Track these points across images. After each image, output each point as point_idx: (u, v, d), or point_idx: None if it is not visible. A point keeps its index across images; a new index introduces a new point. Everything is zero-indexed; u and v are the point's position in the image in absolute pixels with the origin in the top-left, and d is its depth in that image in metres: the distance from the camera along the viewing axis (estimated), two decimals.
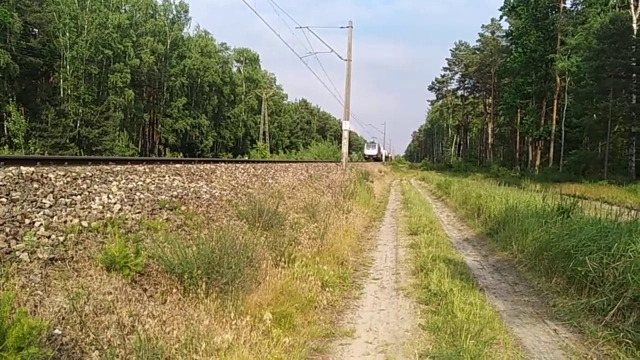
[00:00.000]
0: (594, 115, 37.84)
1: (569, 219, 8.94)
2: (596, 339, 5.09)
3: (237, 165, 12.26)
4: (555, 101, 44.65)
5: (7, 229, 4.10)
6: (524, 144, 57.01)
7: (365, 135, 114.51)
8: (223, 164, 12.04)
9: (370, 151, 73.43)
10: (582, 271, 6.30)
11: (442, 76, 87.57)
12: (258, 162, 17.02)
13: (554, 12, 46.82)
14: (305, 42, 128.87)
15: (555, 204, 10.12)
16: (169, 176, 7.93)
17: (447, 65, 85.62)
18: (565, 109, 42.37)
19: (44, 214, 4.59)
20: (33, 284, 3.63)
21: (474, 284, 7.09)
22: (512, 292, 7.07)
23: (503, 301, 6.61)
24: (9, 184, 4.84)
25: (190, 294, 4.50)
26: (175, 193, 7.14)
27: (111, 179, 6.44)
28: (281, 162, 20.07)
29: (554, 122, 44.36)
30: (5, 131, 39.68)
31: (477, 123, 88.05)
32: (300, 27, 24.23)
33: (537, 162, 47.33)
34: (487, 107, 77.74)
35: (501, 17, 55.55)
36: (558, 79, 43.91)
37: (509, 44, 55.52)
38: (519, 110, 53.37)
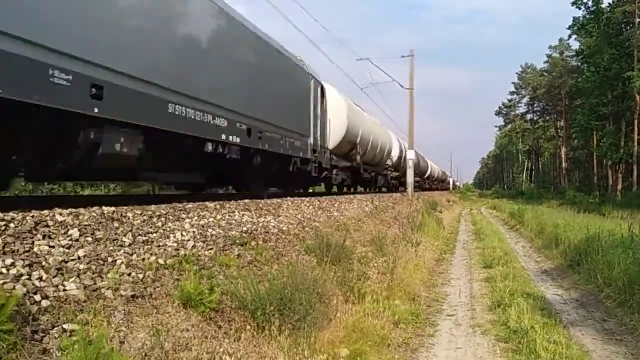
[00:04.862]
0: None
1: None
2: None
3: (303, 198, 12.38)
4: (636, 121, 41.87)
5: (93, 267, 4.32)
6: (602, 168, 53.75)
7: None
8: (289, 197, 12.21)
9: None
10: None
11: (509, 100, 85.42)
12: (322, 194, 17.11)
13: (628, 27, 44.53)
14: (365, 72, 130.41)
15: None
16: (238, 212, 8.12)
17: (513, 89, 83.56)
18: None
19: (124, 252, 4.80)
20: (117, 320, 3.79)
21: (557, 320, 6.64)
22: (601, 330, 6.54)
23: (592, 340, 6.12)
24: (93, 223, 5.13)
25: (264, 331, 4.51)
26: (244, 228, 7.28)
27: (184, 216, 6.67)
28: (345, 193, 20.07)
29: (636, 144, 41.54)
30: None
31: (549, 147, 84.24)
32: (361, 59, 24.24)
33: (619, 187, 44.29)
34: (558, 131, 74.39)
35: (569, 37, 53.46)
36: (637, 97, 41.34)
37: (579, 63, 53.18)
38: (594, 132, 50.55)
